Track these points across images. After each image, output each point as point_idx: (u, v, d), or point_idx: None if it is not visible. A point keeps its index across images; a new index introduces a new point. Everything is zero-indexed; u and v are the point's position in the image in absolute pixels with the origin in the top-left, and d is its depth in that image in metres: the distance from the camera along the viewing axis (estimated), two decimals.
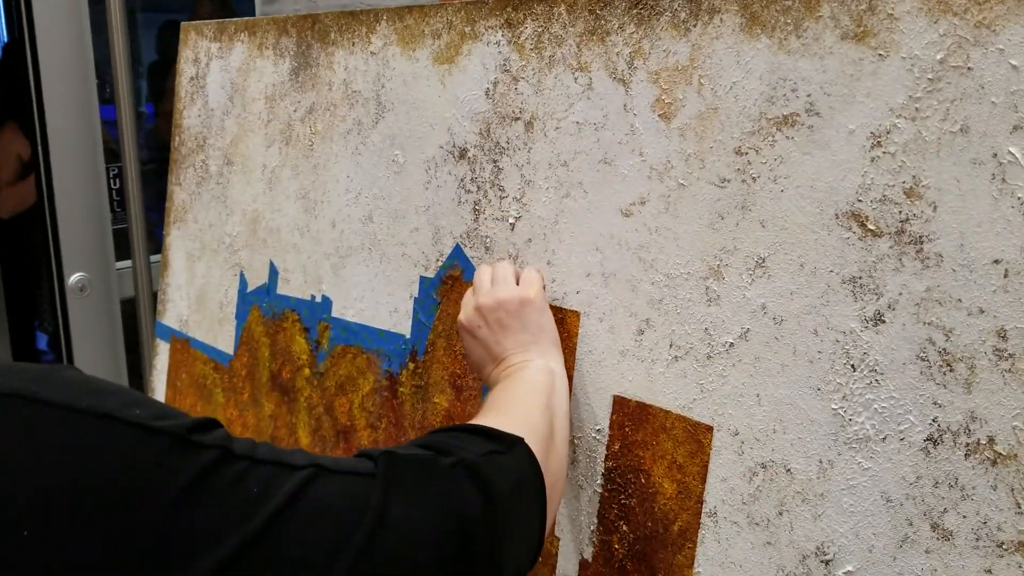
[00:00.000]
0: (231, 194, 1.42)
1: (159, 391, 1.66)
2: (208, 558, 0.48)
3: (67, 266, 1.95)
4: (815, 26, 0.70)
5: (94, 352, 2.03)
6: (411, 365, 1.09)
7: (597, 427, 0.88)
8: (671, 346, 0.81)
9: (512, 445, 0.70)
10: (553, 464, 0.76)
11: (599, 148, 0.86)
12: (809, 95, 0.71)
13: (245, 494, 0.52)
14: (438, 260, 1.05)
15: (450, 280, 1.04)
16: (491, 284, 0.92)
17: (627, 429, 0.85)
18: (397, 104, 1.09)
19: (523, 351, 0.86)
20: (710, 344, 0.78)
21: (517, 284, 0.91)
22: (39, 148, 1.88)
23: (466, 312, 0.92)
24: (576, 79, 0.88)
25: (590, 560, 0.88)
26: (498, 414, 0.77)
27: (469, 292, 0.94)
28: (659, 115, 0.81)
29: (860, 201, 0.68)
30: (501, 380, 0.85)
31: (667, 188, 0.81)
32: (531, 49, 0.93)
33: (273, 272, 1.32)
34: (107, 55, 1.92)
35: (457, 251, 1.02)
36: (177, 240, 1.58)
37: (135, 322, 2.08)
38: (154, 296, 1.98)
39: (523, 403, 0.80)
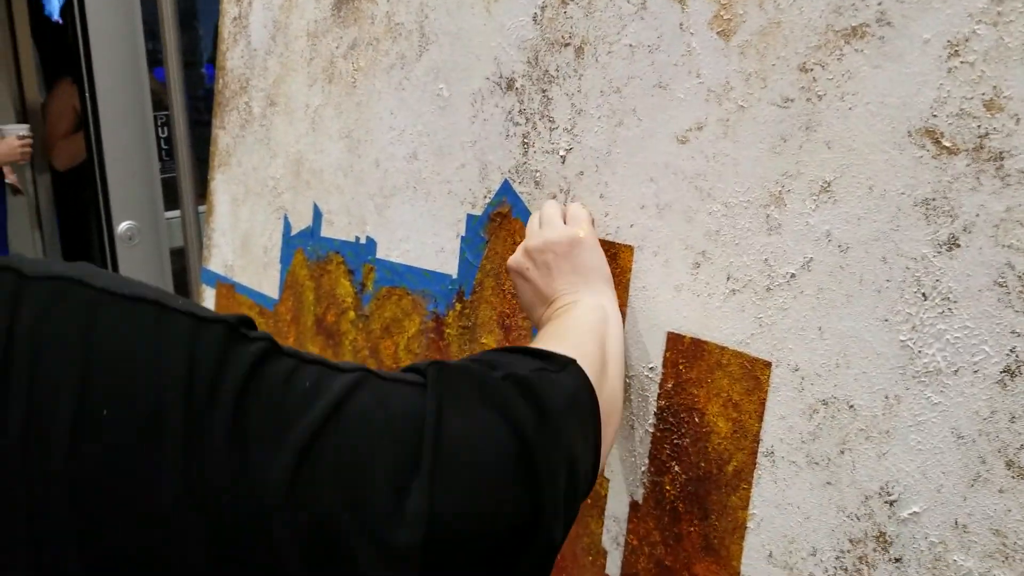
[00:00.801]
0: (274, 136, 1.40)
1: None
2: (281, 451, 0.46)
3: (116, 215, 1.95)
4: None
5: None
6: (458, 306, 1.07)
7: (650, 365, 0.84)
8: (728, 279, 0.77)
9: (565, 365, 0.66)
10: (607, 392, 0.72)
11: (653, 72, 0.82)
12: (880, 3, 0.66)
13: (298, 387, 0.49)
14: (486, 197, 1.02)
15: (498, 217, 1.00)
16: (539, 226, 0.89)
17: (681, 367, 0.81)
18: (441, 35, 1.06)
19: (573, 291, 0.83)
20: (770, 276, 0.74)
21: (565, 223, 0.88)
22: (87, 98, 1.88)
23: (515, 255, 0.89)
24: None
25: (640, 502, 0.85)
26: (548, 342, 0.73)
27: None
28: (717, 32, 0.76)
29: (935, 116, 0.63)
30: (551, 320, 0.82)
31: (726, 111, 0.76)
32: None
33: (317, 214, 1.30)
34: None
35: (506, 187, 0.99)
36: (221, 185, 1.57)
37: (184, 272, 2.09)
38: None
39: (573, 335, 0.76)
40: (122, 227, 1.95)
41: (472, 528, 0.52)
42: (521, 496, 0.55)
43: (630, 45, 0.84)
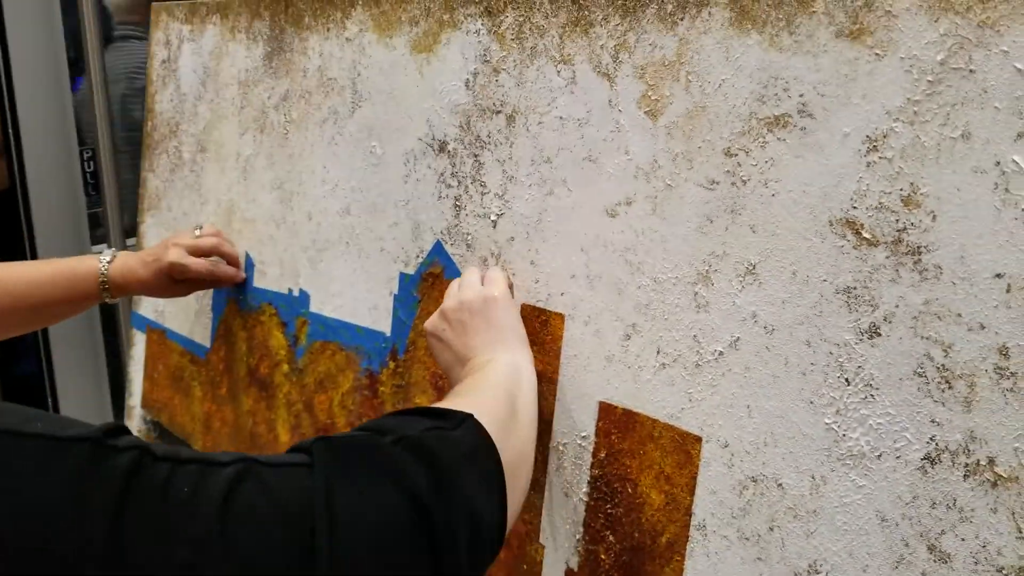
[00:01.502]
0: (205, 182, 1.38)
1: (136, 383, 1.62)
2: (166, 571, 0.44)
3: (41, 251, 1.91)
4: (808, 22, 0.67)
5: (71, 341, 1.99)
6: (391, 364, 1.06)
7: (583, 433, 0.85)
8: (658, 352, 0.78)
9: (461, 421, 0.67)
10: (514, 446, 0.72)
11: (583, 145, 0.83)
12: (802, 95, 0.67)
13: (177, 495, 0.47)
14: (418, 256, 1.02)
15: (430, 278, 1.00)
16: (457, 290, 0.90)
17: (613, 437, 0.82)
18: (374, 93, 1.06)
19: (488, 350, 0.84)
20: (699, 352, 0.75)
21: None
22: (10, 131, 1.83)
23: (431, 318, 0.90)
24: (559, 72, 0.84)
25: (576, 569, 0.86)
26: (451, 399, 0.74)
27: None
28: (645, 112, 0.78)
29: (855, 208, 0.65)
30: (463, 379, 0.82)
31: (654, 188, 0.77)
32: (512, 39, 0.89)
33: (249, 264, 1.29)
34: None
35: (438, 248, 0.99)
36: (151, 228, 1.54)
37: (113, 313, 2.04)
38: None
39: (480, 390, 0.77)
40: None
41: None
42: (421, 563, 0.54)
43: (560, 117, 0.85)
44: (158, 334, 1.53)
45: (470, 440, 0.66)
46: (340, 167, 1.11)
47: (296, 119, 1.18)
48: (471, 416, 0.68)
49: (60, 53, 1.87)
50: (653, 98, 0.77)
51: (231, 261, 1.27)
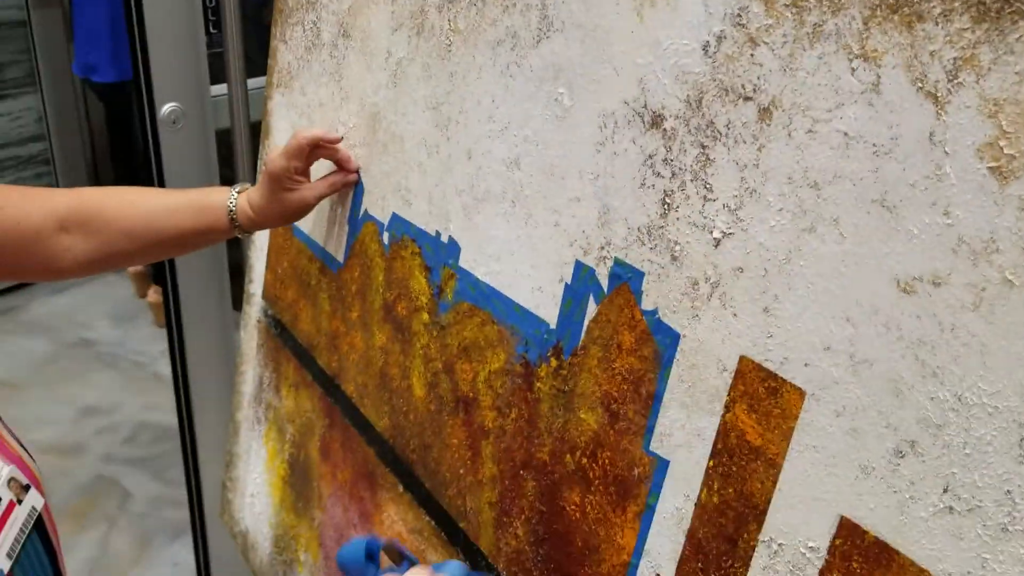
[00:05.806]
0: (348, 75, 1.17)
1: (257, 270, 1.49)
2: None
3: (159, 96, 1.74)
4: None
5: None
6: (553, 362, 0.88)
7: (810, 543, 0.66)
8: (945, 491, 0.58)
9: None
10: None
11: (876, 182, 0.59)
12: None
13: None
14: (603, 248, 0.81)
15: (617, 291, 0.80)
16: None
17: (855, 564, 0.63)
18: (569, 25, 0.82)
19: None
20: (1011, 515, 0.54)
21: None
22: None
23: None
24: (854, 70, 0.60)
25: None
26: None
27: None
28: (989, 168, 0.53)
29: None
30: None
31: (983, 276, 0.54)
32: (786, 4, 0.64)
33: (359, 190, 1.10)
34: None
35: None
36: (280, 108, 1.35)
37: (231, 155, 1.89)
38: (252, 127, 1.77)
39: None
40: (165, 109, 1.74)
41: None
42: None
43: (845, 133, 0.61)
44: (283, 227, 1.37)
45: None
46: (513, 106, 0.89)
47: (463, 30, 0.95)
48: None
49: None
50: (1007, 152, 0.53)
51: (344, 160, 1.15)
